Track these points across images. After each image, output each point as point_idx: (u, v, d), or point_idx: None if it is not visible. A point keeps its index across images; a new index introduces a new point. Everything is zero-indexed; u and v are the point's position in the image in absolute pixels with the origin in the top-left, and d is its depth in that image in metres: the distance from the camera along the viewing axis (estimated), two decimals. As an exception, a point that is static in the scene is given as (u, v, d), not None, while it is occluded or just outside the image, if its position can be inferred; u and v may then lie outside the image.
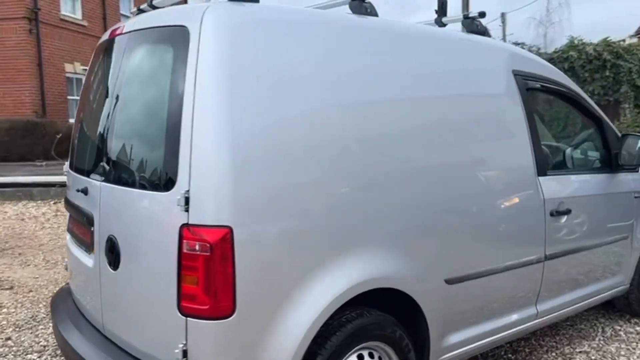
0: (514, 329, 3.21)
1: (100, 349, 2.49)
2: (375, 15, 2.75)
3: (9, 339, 3.94)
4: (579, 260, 3.56)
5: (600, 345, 3.87)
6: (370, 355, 2.51)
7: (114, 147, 2.56)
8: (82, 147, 3.00)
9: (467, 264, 2.85)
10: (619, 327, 4.18)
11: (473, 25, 3.26)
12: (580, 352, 3.76)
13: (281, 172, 2.18)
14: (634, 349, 3.81)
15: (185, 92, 2.13)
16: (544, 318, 3.41)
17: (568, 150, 3.99)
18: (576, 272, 3.59)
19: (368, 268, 2.41)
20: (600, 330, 4.14)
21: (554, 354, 3.73)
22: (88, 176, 2.73)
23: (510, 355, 3.71)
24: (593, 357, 3.67)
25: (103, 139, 2.65)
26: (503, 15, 28.91)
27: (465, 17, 3.29)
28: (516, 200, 3.10)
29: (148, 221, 2.30)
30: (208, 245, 2.04)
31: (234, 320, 2.09)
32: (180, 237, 2.10)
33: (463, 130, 2.88)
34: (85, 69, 5.64)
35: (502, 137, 3.10)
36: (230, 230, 2.05)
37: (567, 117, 6.88)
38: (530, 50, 11.49)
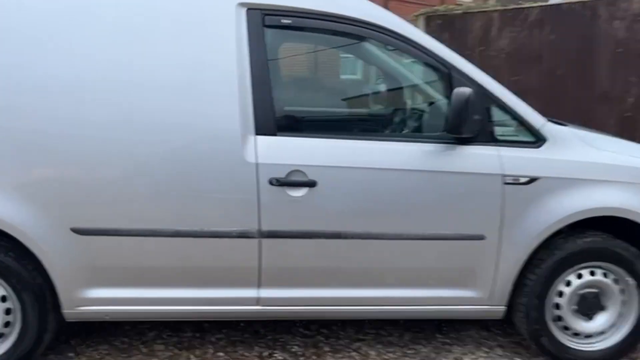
0: (211, 307, 2.78)
1: None
2: None
3: None
4: (345, 250, 2.73)
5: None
6: None
7: None
8: None
9: (106, 218, 2.63)
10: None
11: None
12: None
13: None
14: None
15: None
16: (276, 308, 2.81)
17: (345, 110, 2.98)
18: (345, 264, 2.76)
19: None
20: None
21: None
22: None
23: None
24: None
25: None
26: None
27: None
28: (193, 158, 2.62)
29: None
30: None
31: None
32: None
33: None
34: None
35: (177, 79, 2.63)
36: None
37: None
38: None
